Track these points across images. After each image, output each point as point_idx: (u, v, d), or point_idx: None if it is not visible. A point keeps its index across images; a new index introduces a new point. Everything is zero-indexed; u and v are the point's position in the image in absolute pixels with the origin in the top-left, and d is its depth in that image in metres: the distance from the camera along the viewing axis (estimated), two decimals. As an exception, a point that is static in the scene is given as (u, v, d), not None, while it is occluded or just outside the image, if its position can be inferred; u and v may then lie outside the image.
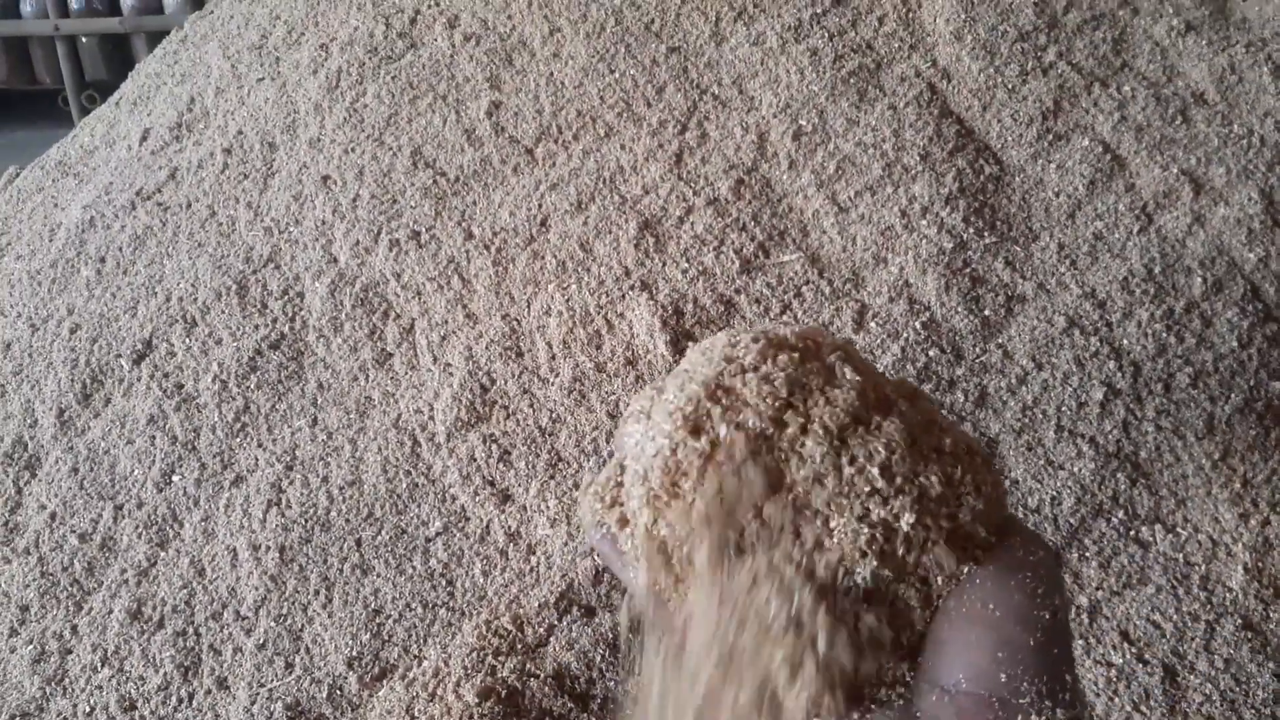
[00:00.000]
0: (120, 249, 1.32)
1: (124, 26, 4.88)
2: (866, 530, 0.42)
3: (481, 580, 0.92)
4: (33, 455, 1.13)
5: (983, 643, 0.41)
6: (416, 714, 0.83)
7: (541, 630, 0.87)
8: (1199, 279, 1.05)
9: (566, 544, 0.93)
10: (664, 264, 1.09)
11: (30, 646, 0.96)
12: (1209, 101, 1.20)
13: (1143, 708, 0.82)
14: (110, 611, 0.97)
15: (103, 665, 0.93)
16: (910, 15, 1.27)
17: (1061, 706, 0.40)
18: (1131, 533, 0.93)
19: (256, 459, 1.05)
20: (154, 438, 1.09)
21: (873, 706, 0.42)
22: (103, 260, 1.32)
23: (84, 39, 4.94)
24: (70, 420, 1.15)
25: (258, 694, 0.88)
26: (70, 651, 0.95)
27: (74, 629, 0.97)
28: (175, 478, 1.06)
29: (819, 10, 1.27)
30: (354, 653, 0.89)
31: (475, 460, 1.00)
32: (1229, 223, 1.09)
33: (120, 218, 1.37)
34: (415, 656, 0.88)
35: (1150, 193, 1.12)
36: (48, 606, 0.99)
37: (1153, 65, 1.23)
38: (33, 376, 1.21)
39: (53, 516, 1.06)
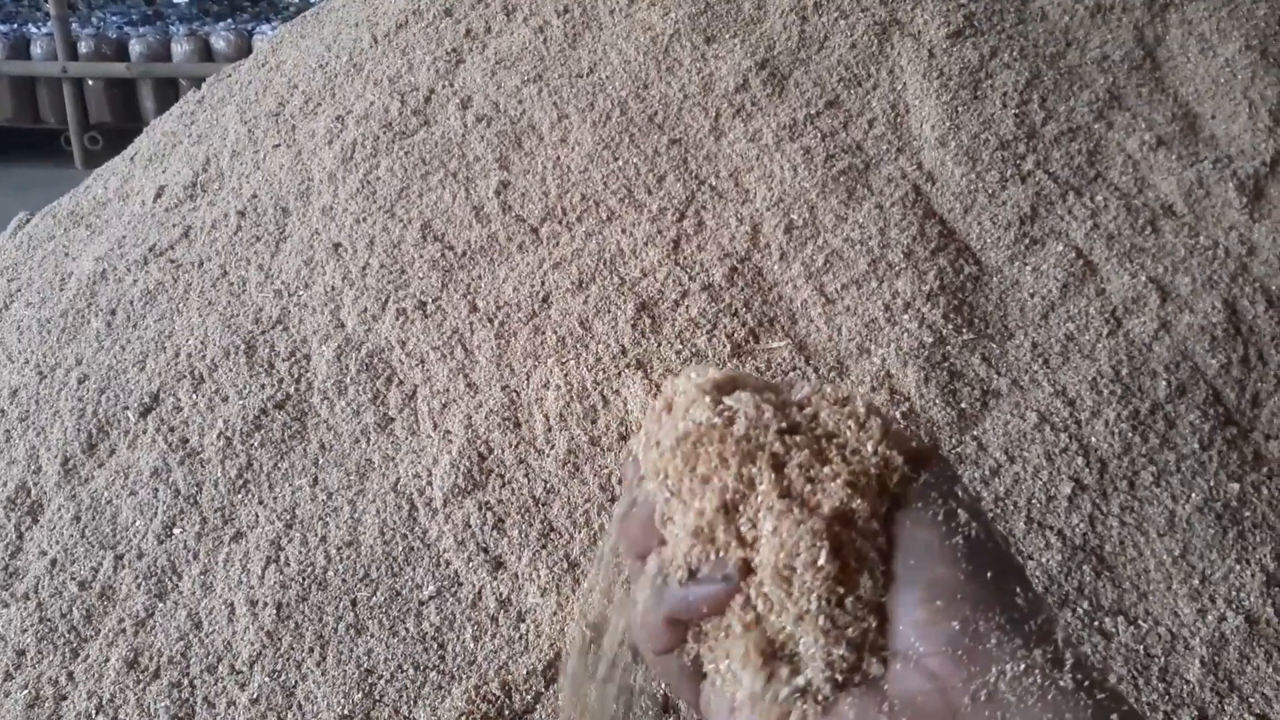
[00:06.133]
0: (131, 303, 1.36)
1: (130, 72, 4.99)
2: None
3: (472, 645, 0.96)
4: (35, 501, 1.16)
5: (919, 599, 0.38)
6: (404, 774, 0.86)
7: (529, 697, 0.90)
8: (1164, 382, 1.12)
9: (555, 613, 0.96)
10: (659, 344, 1.15)
11: (25, 691, 0.98)
12: (1177, 213, 1.27)
13: (1101, 795, 0.86)
14: (107, 660, 0.99)
15: (97, 713, 0.95)
16: (898, 120, 1.35)
17: (1035, 642, 0.37)
18: (1095, 623, 0.97)
19: (257, 515, 1.08)
20: (157, 490, 1.13)
21: (855, 685, 0.39)
22: (113, 313, 1.36)
23: (90, 82, 5.04)
24: (74, 469, 1.18)
25: (249, 748, 0.91)
26: (65, 698, 0.97)
27: (70, 676, 0.99)
28: (176, 530, 1.09)
29: (813, 112, 1.35)
30: (346, 711, 0.92)
31: (470, 527, 1.04)
32: (1193, 330, 1.16)
33: (132, 272, 1.42)
34: (405, 718, 0.91)
35: (1120, 298, 1.18)
36: (44, 652, 1.01)
37: (1125, 177, 1.30)
38: (38, 423, 1.25)
39: (53, 563, 1.09)
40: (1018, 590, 0.38)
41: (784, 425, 0.44)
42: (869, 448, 0.42)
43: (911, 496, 0.40)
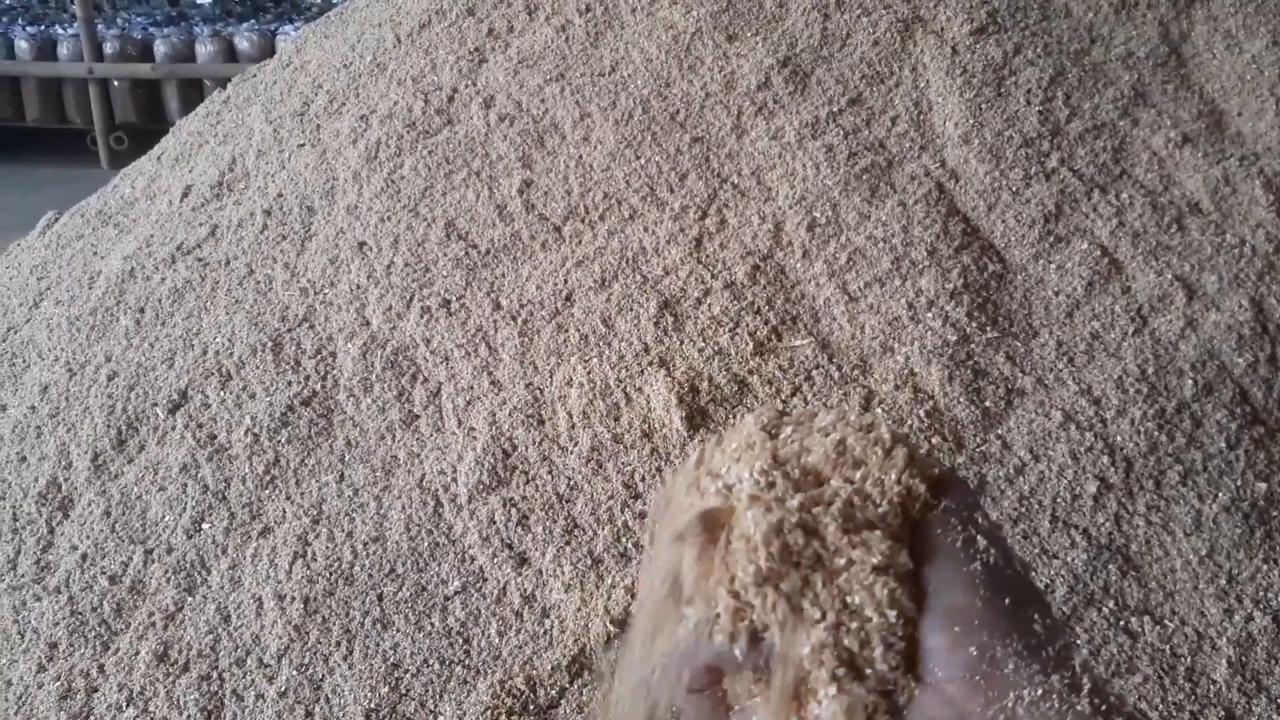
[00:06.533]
0: (159, 301, 1.38)
1: (156, 73, 5.03)
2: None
3: (497, 640, 0.96)
4: (66, 497, 1.18)
5: (939, 625, 0.38)
6: (430, 768, 0.86)
7: (553, 692, 0.91)
8: (1190, 381, 1.11)
9: (579, 609, 0.97)
10: (681, 342, 1.15)
11: (57, 683, 1.00)
12: (1203, 211, 1.26)
13: (1126, 794, 0.86)
14: (137, 653, 1.01)
15: (128, 705, 0.97)
16: (921, 117, 1.34)
17: (1052, 668, 0.37)
18: (1121, 623, 0.97)
19: (284, 511, 1.10)
20: (186, 486, 1.14)
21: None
22: (142, 311, 1.38)
23: (116, 83, 5.09)
24: (104, 464, 1.19)
25: (277, 741, 0.92)
26: (96, 690, 0.99)
27: (101, 668, 1.00)
28: (205, 525, 1.10)
29: (835, 109, 1.35)
30: (372, 705, 0.93)
31: (495, 523, 1.04)
32: (1220, 328, 1.15)
33: (160, 270, 1.43)
34: (431, 712, 0.92)
35: (1145, 296, 1.18)
36: (76, 645, 1.03)
37: (1150, 174, 1.30)
38: (69, 420, 1.27)
39: (84, 557, 1.11)
40: (1035, 616, 0.39)
41: (807, 494, 0.44)
42: (892, 476, 0.43)
43: (932, 523, 0.41)
